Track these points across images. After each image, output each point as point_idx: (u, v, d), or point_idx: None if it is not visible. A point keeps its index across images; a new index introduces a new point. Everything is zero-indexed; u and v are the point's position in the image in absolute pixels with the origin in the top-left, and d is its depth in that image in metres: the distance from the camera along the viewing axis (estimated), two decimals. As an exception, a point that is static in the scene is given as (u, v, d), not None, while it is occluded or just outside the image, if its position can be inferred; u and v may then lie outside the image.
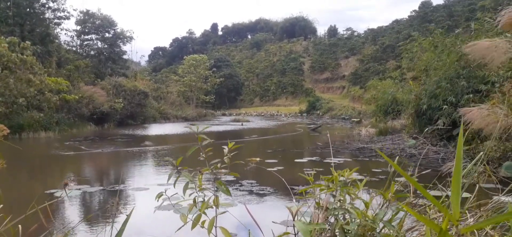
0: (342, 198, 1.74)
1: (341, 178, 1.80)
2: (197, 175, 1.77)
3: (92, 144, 16.11)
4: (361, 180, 1.89)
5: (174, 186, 1.67)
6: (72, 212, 5.89)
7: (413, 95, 12.92)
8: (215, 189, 1.75)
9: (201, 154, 1.77)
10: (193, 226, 1.64)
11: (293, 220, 1.59)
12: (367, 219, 1.61)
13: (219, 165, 1.76)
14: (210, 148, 1.77)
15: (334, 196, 1.77)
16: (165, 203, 1.83)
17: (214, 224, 1.63)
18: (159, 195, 1.78)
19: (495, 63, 6.31)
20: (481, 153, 2.36)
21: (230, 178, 7.57)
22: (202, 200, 1.71)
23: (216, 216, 1.66)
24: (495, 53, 5.94)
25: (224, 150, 1.78)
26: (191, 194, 1.72)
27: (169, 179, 1.69)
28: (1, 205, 2.24)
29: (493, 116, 6.18)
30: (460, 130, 1.01)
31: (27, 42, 21.29)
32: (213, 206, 1.69)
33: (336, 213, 1.72)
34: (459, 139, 0.96)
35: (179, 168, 1.76)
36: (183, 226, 1.63)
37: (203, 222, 1.65)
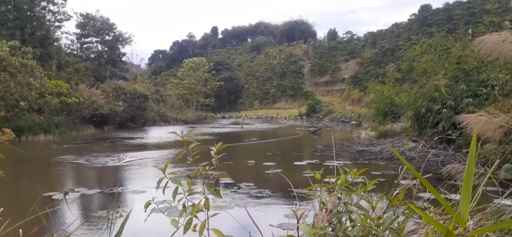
0: (347, 201, 1.74)
1: (348, 178, 1.80)
2: (204, 179, 1.76)
3: (91, 147, 16.09)
4: (362, 183, 1.89)
5: (163, 193, 1.66)
6: (70, 214, 5.87)
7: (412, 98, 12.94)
8: (204, 191, 1.74)
9: (188, 158, 1.75)
10: (185, 230, 1.64)
11: (298, 222, 1.59)
12: (370, 224, 1.61)
13: (207, 167, 1.75)
14: (198, 152, 1.76)
15: (339, 199, 1.77)
16: (160, 206, 1.82)
17: (206, 227, 1.62)
18: (147, 204, 1.78)
19: (504, 57, 6.25)
20: (497, 161, 2.36)
21: (229, 180, 7.56)
22: (194, 203, 1.71)
23: (207, 219, 1.65)
24: (503, 47, 5.89)
25: (211, 151, 1.76)
26: (180, 199, 1.71)
27: (158, 186, 1.68)
28: (2, 209, 2.24)
29: (491, 123, 6.19)
30: (473, 138, 1.01)
31: (28, 47, 21.34)
32: (204, 209, 1.68)
33: (340, 216, 1.72)
34: (471, 144, 0.96)
35: (169, 173, 1.75)
36: (176, 231, 1.62)
37: (195, 225, 1.65)
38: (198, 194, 1.72)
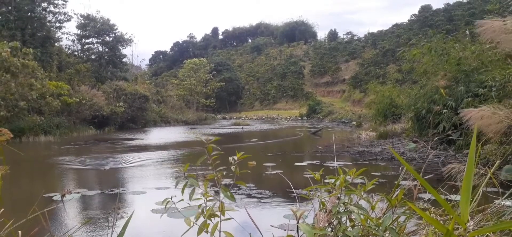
0: (346, 201, 1.74)
1: (347, 178, 1.80)
2: (219, 183, 1.78)
3: (91, 148, 16.09)
4: (361, 183, 1.89)
5: (182, 193, 1.69)
6: (71, 215, 5.88)
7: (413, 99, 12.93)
8: (215, 193, 1.75)
9: (208, 161, 1.79)
10: (199, 232, 1.65)
11: (297, 222, 1.60)
12: (370, 224, 1.61)
13: (224, 172, 1.78)
14: (216, 156, 1.79)
15: (338, 199, 1.77)
16: (161, 207, 1.84)
17: (218, 229, 1.64)
18: (166, 201, 1.79)
19: (505, 47, 6.12)
20: (498, 161, 2.36)
21: (229, 181, 7.57)
22: (207, 206, 1.73)
23: (220, 221, 1.67)
24: (506, 36, 5.78)
25: (231, 160, 1.81)
26: (195, 200, 1.74)
27: (176, 185, 1.71)
28: (2, 209, 2.24)
29: (494, 117, 6.14)
30: (474, 136, 1.01)
31: (29, 48, 21.39)
32: (218, 212, 1.70)
33: (340, 216, 1.72)
34: (472, 143, 0.96)
35: (185, 174, 1.77)
36: (188, 230, 1.63)
37: (207, 225, 1.66)
38: (201, 196, 1.73)
